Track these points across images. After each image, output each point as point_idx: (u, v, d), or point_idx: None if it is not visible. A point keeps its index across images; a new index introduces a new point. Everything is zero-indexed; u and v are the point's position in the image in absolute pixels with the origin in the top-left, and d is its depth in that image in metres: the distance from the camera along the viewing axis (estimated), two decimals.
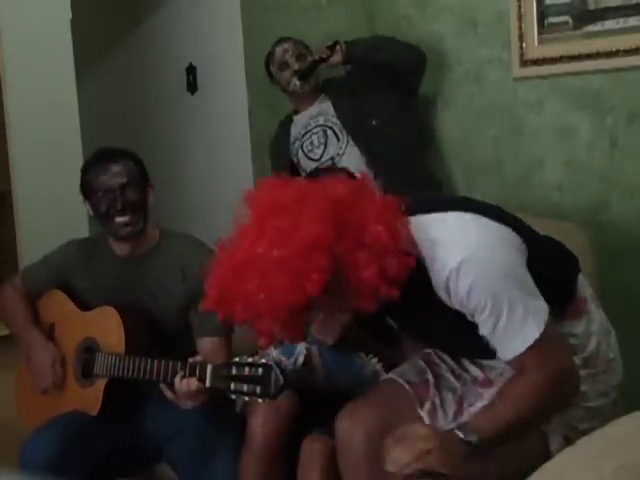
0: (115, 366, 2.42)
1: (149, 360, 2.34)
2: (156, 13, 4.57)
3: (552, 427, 1.98)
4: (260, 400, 2.08)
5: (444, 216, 1.91)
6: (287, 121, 3.53)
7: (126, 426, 2.53)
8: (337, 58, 3.23)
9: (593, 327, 2.05)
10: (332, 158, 3.30)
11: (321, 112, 3.38)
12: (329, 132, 3.34)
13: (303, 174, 3.35)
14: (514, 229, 1.93)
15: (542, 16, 3.18)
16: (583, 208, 3.17)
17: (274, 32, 3.98)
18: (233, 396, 2.13)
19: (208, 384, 2.20)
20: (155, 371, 2.32)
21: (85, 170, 2.58)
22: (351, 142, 3.29)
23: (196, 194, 4.46)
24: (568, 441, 1.94)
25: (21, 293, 2.72)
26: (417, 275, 1.82)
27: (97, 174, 2.52)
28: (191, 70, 4.44)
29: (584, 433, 1.88)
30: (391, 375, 2.14)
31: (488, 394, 1.99)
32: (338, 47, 3.21)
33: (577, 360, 1.96)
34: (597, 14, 3.06)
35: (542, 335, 1.82)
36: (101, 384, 2.48)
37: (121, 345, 2.44)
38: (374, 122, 3.25)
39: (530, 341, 1.81)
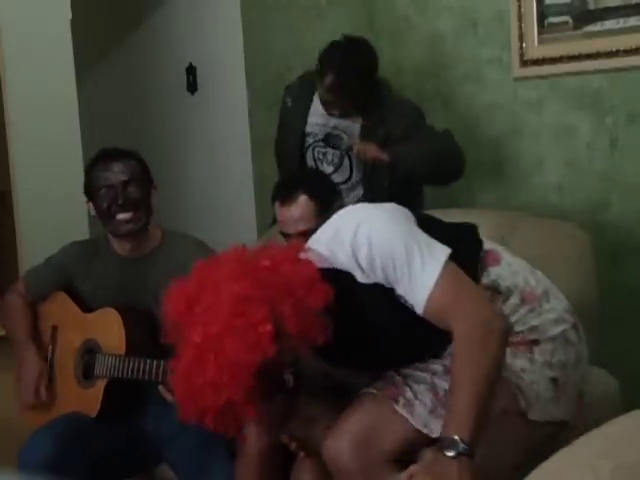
0: (115, 367, 2.43)
1: (148, 361, 2.34)
2: (156, 13, 4.57)
3: (532, 377, 1.97)
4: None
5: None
6: (309, 89, 3.21)
7: (126, 427, 2.52)
8: (381, 156, 3.00)
9: (514, 267, 2.07)
10: (340, 184, 3.10)
11: (347, 131, 3.15)
12: (345, 160, 3.17)
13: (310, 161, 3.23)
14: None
15: (542, 16, 3.18)
16: (583, 208, 3.17)
17: (274, 32, 3.99)
18: None
19: None
20: (155, 372, 2.32)
21: (88, 170, 2.59)
22: (359, 186, 3.16)
23: (196, 194, 4.46)
24: (555, 381, 1.97)
25: (24, 302, 2.72)
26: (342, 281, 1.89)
27: (99, 172, 2.53)
28: (191, 70, 4.45)
29: (564, 366, 1.98)
30: (361, 391, 2.13)
31: None
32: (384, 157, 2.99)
33: (515, 299, 2.00)
34: (597, 14, 3.06)
35: (446, 272, 1.84)
36: (101, 385, 2.48)
37: (122, 346, 2.45)
38: (386, 183, 3.07)
39: (434, 277, 1.83)
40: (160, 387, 2.31)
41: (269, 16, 4.01)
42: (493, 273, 2.04)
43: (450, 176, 3.08)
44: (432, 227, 1.99)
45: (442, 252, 1.88)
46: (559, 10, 3.14)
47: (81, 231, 3.11)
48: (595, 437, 1.24)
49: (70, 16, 3.51)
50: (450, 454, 1.73)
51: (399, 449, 1.97)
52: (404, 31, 3.56)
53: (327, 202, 2.53)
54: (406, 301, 1.90)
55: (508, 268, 2.06)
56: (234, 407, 1.80)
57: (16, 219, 3.36)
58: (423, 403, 1.98)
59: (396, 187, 3.05)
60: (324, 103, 3.10)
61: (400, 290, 1.89)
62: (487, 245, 2.10)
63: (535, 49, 3.21)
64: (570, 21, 3.12)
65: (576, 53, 3.11)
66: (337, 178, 3.14)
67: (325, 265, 1.93)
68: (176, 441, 2.43)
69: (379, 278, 1.90)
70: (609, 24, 3.04)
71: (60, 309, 2.66)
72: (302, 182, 2.61)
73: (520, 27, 3.22)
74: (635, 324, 3.10)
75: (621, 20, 3.01)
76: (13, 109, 3.33)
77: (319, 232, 2.04)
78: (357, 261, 1.91)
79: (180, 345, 1.85)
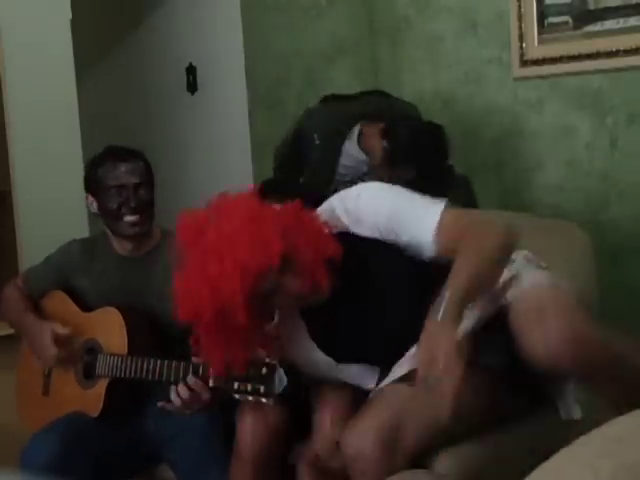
0: (117, 367, 2.42)
1: (151, 360, 2.34)
2: (156, 13, 4.57)
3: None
4: (264, 400, 2.07)
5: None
6: (342, 127, 3.20)
7: (127, 428, 2.52)
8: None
9: None
10: None
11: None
12: None
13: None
14: None
15: (542, 16, 3.18)
16: (583, 208, 3.17)
17: (274, 32, 3.99)
18: (237, 396, 2.12)
19: (211, 384, 2.20)
20: (157, 371, 2.31)
21: (94, 165, 2.57)
22: None
23: (196, 194, 4.45)
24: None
25: (23, 293, 2.72)
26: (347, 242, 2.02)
27: (109, 170, 2.51)
28: (191, 70, 4.44)
29: None
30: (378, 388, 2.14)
31: None
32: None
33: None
34: (597, 14, 3.06)
35: (448, 208, 2.00)
36: (103, 385, 2.47)
37: (124, 346, 2.44)
38: None
39: (439, 210, 1.99)
40: (160, 404, 2.29)
41: (269, 16, 4.00)
42: None
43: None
44: None
45: (440, 200, 2.03)
46: (559, 10, 3.14)
47: (81, 231, 3.10)
48: (595, 437, 1.24)
49: (70, 16, 3.51)
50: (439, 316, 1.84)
51: (417, 447, 1.97)
52: (404, 31, 3.56)
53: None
54: (412, 250, 2.02)
55: None
56: (228, 313, 1.90)
57: (16, 219, 3.35)
58: None
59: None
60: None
61: (406, 236, 2.01)
62: None
63: (535, 49, 3.21)
64: (570, 21, 3.12)
65: (576, 53, 3.11)
66: None
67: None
68: (176, 442, 2.43)
69: (384, 230, 2.03)
70: (609, 24, 3.04)
71: (60, 309, 2.65)
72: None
73: (520, 27, 3.22)
74: (635, 324, 3.10)
75: (621, 20, 3.02)
76: (13, 109, 3.33)
77: (318, 210, 2.13)
78: (358, 219, 2.05)
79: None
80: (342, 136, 3.18)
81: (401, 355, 2.11)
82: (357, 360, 2.17)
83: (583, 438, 1.26)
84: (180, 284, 2.00)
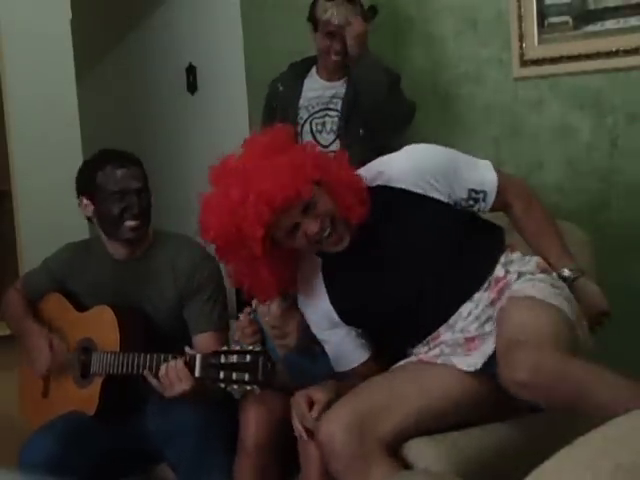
0: (110, 364, 2.43)
1: (142, 355, 2.35)
2: (156, 13, 4.57)
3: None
4: (248, 387, 2.08)
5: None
6: (301, 70, 3.42)
7: (125, 427, 2.52)
8: (352, 49, 3.17)
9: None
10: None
11: (338, 96, 3.30)
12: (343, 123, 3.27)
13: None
14: None
15: (542, 16, 3.18)
16: (583, 208, 3.17)
17: (274, 32, 3.99)
18: (222, 385, 2.13)
19: (197, 374, 2.21)
20: (149, 365, 2.32)
21: (92, 169, 2.54)
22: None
23: (195, 194, 4.45)
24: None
25: (22, 296, 2.73)
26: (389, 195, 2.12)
27: (110, 176, 2.49)
28: (191, 70, 4.45)
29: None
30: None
31: (477, 351, 2.05)
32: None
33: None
34: (597, 14, 3.06)
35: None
36: (98, 383, 2.48)
37: (116, 343, 2.45)
38: (361, 131, 3.22)
39: (491, 166, 2.25)
40: (145, 372, 2.31)
41: (269, 16, 4.01)
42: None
43: (402, 113, 3.25)
44: None
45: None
46: (559, 10, 3.14)
47: (81, 231, 3.10)
48: (595, 437, 1.24)
49: (70, 16, 3.51)
50: (581, 279, 2.17)
51: (393, 435, 1.98)
52: (404, 31, 3.56)
53: None
54: (463, 202, 2.17)
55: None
56: (245, 243, 2.01)
57: (16, 219, 3.35)
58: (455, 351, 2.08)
59: (370, 136, 3.21)
60: (325, 46, 3.24)
61: (468, 183, 2.17)
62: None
63: (535, 49, 3.21)
64: (570, 21, 3.12)
65: (576, 53, 3.11)
66: (338, 145, 3.24)
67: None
68: (175, 440, 2.43)
69: (439, 176, 2.13)
70: (609, 24, 3.04)
71: (56, 310, 2.66)
72: None
73: (520, 27, 3.22)
74: (635, 324, 3.09)
75: (621, 20, 3.01)
76: (13, 109, 3.33)
77: (362, 169, 2.21)
78: (416, 169, 2.13)
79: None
80: (302, 75, 3.40)
81: (410, 334, 2.15)
82: (359, 325, 2.20)
83: (583, 438, 1.26)
84: (203, 205, 2.13)
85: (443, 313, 2.09)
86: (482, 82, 3.39)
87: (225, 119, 4.30)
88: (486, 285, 2.09)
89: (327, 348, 2.25)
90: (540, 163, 3.28)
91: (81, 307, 2.61)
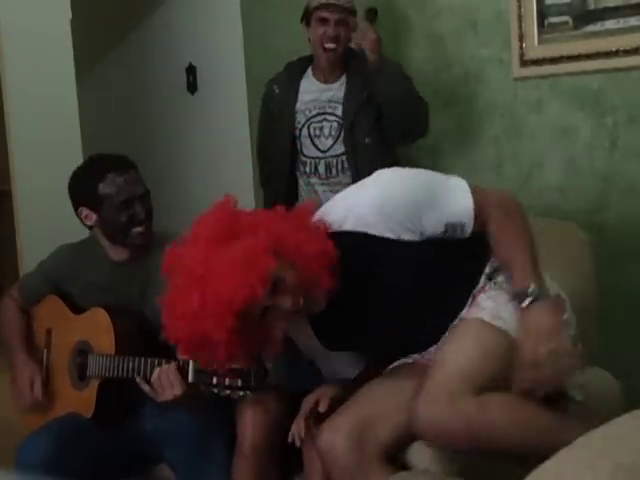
0: (106, 367, 2.42)
1: (137, 359, 2.34)
2: (156, 13, 4.57)
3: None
4: (241, 393, 2.08)
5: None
6: (297, 71, 3.36)
7: (123, 428, 2.52)
8: (371, 56, 3.13)
9: None
10: (339, 155, 3.22)
11: (335, 100, 3.24)
12: (342, 131, 3.23)
13: (301, 155, 3.28)
14: None
15: (542, 16, 3.18)
16: (583, 208, 3.17)
17: (274, 32, 3.99)
18: (215, 390, 2.13)
19: (190, 379, 2.21)
20: (144, 369, 2.32)
21: (92, 181, 2.50)
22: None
23: (195, 194, 4.46)
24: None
25: (18, 307, 2.72)
26: (361, 245, 1.98)
27: (112, 184, 2.46)
28: (191, 70, 4.44)
29: None
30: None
31: None
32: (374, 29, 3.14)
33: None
34: (597, 14, 3.06)
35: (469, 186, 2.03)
36: (94, 386, 2.48)
37: (111, 346, 2.44)
38: (367, 140, 3.18)
39: (466, 187, 2.01)
40: (137, 378, 2.31)
41: (269, 15, 4.00)
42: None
43: (416, 123, 3.21)
44: None
45: (459, 179, 2.04)
46: (559, 10, 3.14)
47: (81, 231, 3.09)
48: (595, 437, 1.24)
49: (70, 16, 3.51)
50: (529, 302, 1.90)
51: (392, 442, 1.99)
52: (404, 31, 3.56)
53: None
54: (440, 233, 2.00)
55: None
56: (210, 340, 1.86)
57: (16, 219, 3.35)
58: None
59: (376, 144, 3.19)
60: (323, 42, 3.18)
61: (442, 216, 1.98)
62: None
63: (535, 49, 3.21)
64: (570, 21, 3.12)
65: (576, 53, 3.11)
66: (338, 149, 3.22)
67: (334, 229, 2.00)
68: (174, 441, 2.43)
69: (410, 231, 1.97)
70: (609, 24, 3.04)
71: (53, 312, 2.66)
72: None
73: (520, 27, 3.22)
74: (635, 324, 3.09)
75: (621, 20, 3.01)
76: (13, 109, 3.33)
77: (327, 205, 2.09)
78: (384, 214, 1.96)
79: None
80: (298, 76, 3.34)
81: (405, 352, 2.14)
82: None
83: (583, 438, 1.26)
84: (166, 308, 1.95)
85: (433, 337, 2.07)
86: (482, 82, 3.39)
87: (225, 119, 4.30)
88: (470, 300, 2.05)
89: (336, 362, 2.24)
90: (540, 163, 3.28)
91: (77, 309, 2.60)
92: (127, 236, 2.50)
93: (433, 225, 1.98)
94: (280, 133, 3.31)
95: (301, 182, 3.32)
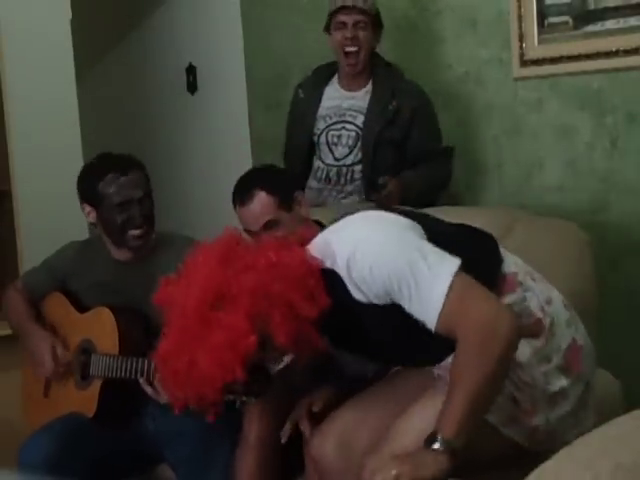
0: (109, 367, 2.42)
1: (140, 360, 2.34)
2: (156, 13, 4.57)
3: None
4: (244, 398, 2.08)
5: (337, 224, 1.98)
6: (324, 77, 3.31)
7: (125, 428, 2.52)
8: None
9: (529, 294, 1.97)
10: (352, 165, 3.19)
11: (355, 108, 3.20)
12: (359, 142, 3.18)
13: (317, 160, 3.25)
14: (417, 222, 1.95)
15: (542, 16, 3.18)
16: (583, 208, 3.17)
17: (274, 32, 3.99)
18: None
19: None
20: (146, 369, 2.32)
21: (93, 178, 2.52)
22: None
23: (196, 194, 4.46)
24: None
25: (23, 295, 2.72)
26: (338, 288, 1.84)
27: (112, 186, 2.47)
28: (191, 70, 4.45)
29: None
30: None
31: None
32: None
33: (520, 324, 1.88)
34: (597, 14, 3.06)
35: (455, 284, 1.76)
36: (97, 386, 2.48)
37: (115, 346, 2.45)
38: (380, 180, 3.07)
39: (443, 295, 1.75)
40: (141, 380, 2.31)
41: (269, 16, 4.01)
42: (506, 299, 1.93)
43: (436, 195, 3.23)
44: (444, 241, 1.90)
45: (451, 264, 1.79)
46: (559, 10, 3.14)
47: (81, 231, 3.11)
48: (595, 437, 1.24)
49: (70, 16, 3.51)
50: (432, 448, 1.73)
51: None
52: (404, 31, 3.56)
53: (286, 192, 2.50)
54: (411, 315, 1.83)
55: (522, 295, 1.96)
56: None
57: (16, 219, 3.35)
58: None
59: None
60: (344, 47, 3.14)
61: (407, 308, 1.81)
62: (508, 266, 1.98)
63: (535, 49, 3.21)
64: (570, 21, 3.12)
65: (576, 53, 3.11)
66: (351, 159, 3.19)
67: (326, 265, 1.89)
68: (175, 441, 2.43)
69: (380, 299, 1.84)
70: (609, 24, 3.03)
71: (58, 310, 2.66)
72: (256, 179, 2.56)
73: (520, 27, 3.22)
74: (635, 324, 3.09)
75: (621, 20, 3.01)
76: (13, 109, 3.33)
77: (321, 237, 1.98)
78: (354, 282, 1.84)
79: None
80: (324, 81, 3.30)
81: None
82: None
83: (583, 438, 1.26)
84: (158, 363, 1.92)
85: (432, 361, 2.01)
86: (482, 82, 3.39)
87: (225, 119, 4.30)
88: None
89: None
90: (540, 163, 3.28)
91: (82, 307, 2.61)
92: (124, 238, 2.51)
93: (400, 303, 1.83)
94: (299, 137, 3.30)
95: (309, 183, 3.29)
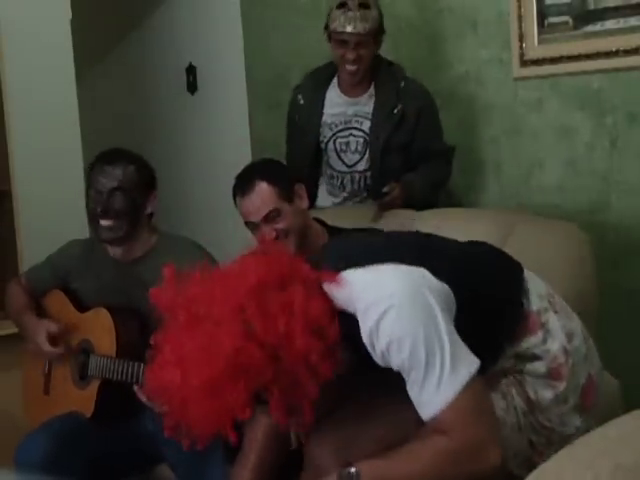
0: (106, 368, 2.43)
1: (136, 364, 2.34)
2: (156, 13, 4.58)
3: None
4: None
5: (361, 271, 1.80)
6: (323, 80, 3.23)
7: (124, 428, 2.52)
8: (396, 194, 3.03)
9: (550, 335, 1.90)
10: (364, 171, 3.19)
11: (361, 114, 3.17)
12: (368, 147, 3.17)
13: (327, 167, 3.24)
14: (439, 270, 1.79)
15: (542, 16, 3.18)
16: (583, 208, 3.17)
17: (274, 32, 3.99)
18: None
19: None
20: (142, 374, 2.31)
21: (90, 165, 2.59)
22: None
23: (195, 194, 4.46)
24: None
25: (24, 290, 2.74)
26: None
27: (95, 174, 2.52)
28: (191, 70, 4.45)
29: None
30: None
31: None
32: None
33: (542, 368, 1.86)
34: (597, 14, 3.06)
35: (464, 393, 1.67)
36: (95, 386, 2.48)
37: (112, 347, 2.45)
38: (385, 189, 3.02)
39: (448, 399, 1.66)
40: (135, 387, 2.31)
41: (269, 16, 4.01)
42: (524, 342, 1.88)
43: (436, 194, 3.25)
44: (470, 282, 1.82)
45: (466, 370, 1.69)
46: (559, 10, 3.14)
47: (81, 231, 3.10)
48: (595, 437, 1.24)
49: (70, 16, 3.51)
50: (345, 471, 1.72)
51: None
52: (404, 31, 3.56)
53: (287, 184, 2.50)
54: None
55: (543, 338, 1.89)
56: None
57: (16, 219, 3.35)
58: None
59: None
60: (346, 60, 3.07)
61: (408, 389, 1.72)
62: (532, 303, 1.90)
63: (535, 49, 3.21)
64: (570, 21, 3.12)
65: (576, 53, 3.11)
66: (363, 165, 3.18)
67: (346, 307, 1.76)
68: (175, 441, 2.42)
69: (384, 364, 1.76)
70: (609, 24, 3.03)
71: (58, 308, 2.67)
72: (257, 170, 2.56)
73: (520, 27, 3.22)
74: (635, 324, 3.09)
75: (621, 20, 3.01)
76: (13, 109, 3.33)
77: (348, 288, 1.78)
78: (371, 343, 1.74)
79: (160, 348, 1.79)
80: (323, 85, 3.24)
81: None
82: None
83: (583, 438, 1.26)
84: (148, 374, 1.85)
85: None
86: (482, 82, 3.39)
87: (225, 119, 4.30)
88: None
89: None
90: (540, 163, 3.28)
91: (82, 306, 2.61)
92: (96, 228, 2.53)
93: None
94: (304, 145, 3.26)
95: (321, 191, 3.28)
